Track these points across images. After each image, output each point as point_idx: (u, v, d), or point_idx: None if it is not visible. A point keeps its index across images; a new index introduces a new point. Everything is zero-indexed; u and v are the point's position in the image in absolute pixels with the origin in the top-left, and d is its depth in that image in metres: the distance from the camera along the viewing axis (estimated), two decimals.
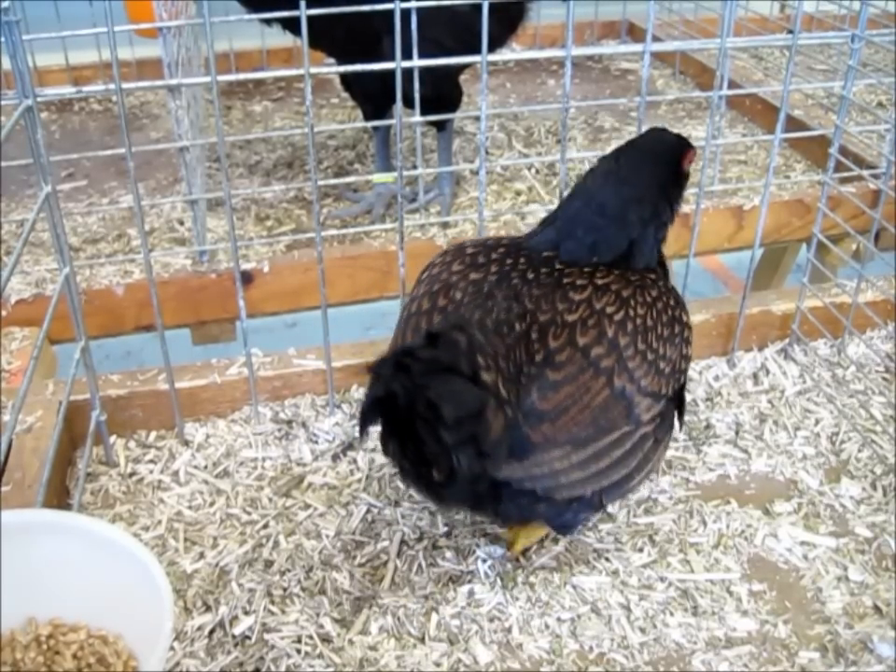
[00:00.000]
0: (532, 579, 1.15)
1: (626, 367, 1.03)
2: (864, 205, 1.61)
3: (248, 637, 1.08)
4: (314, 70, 1.20)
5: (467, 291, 1.07)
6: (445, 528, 1.23)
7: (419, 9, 1.45)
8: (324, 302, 1.34)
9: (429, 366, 0.89)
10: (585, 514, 1.11)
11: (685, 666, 1.05)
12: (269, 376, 1.43)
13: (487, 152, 2.23)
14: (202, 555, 1.19)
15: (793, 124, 2.11)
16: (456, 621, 1.10)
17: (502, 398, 0.95)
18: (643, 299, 1.08)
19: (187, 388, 1.40)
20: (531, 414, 0.98)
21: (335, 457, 1.36)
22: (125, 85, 1.17)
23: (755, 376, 1.52)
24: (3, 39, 1.08)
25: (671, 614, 1.10)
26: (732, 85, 2.33)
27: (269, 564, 1.18)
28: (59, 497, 1.26)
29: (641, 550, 1.19)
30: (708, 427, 1.41)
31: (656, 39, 2.58)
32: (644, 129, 1.23)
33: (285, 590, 1.14)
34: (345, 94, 2.15)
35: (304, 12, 1.14)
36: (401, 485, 1.30)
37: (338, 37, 1.68)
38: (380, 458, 1.34)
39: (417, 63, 1.38)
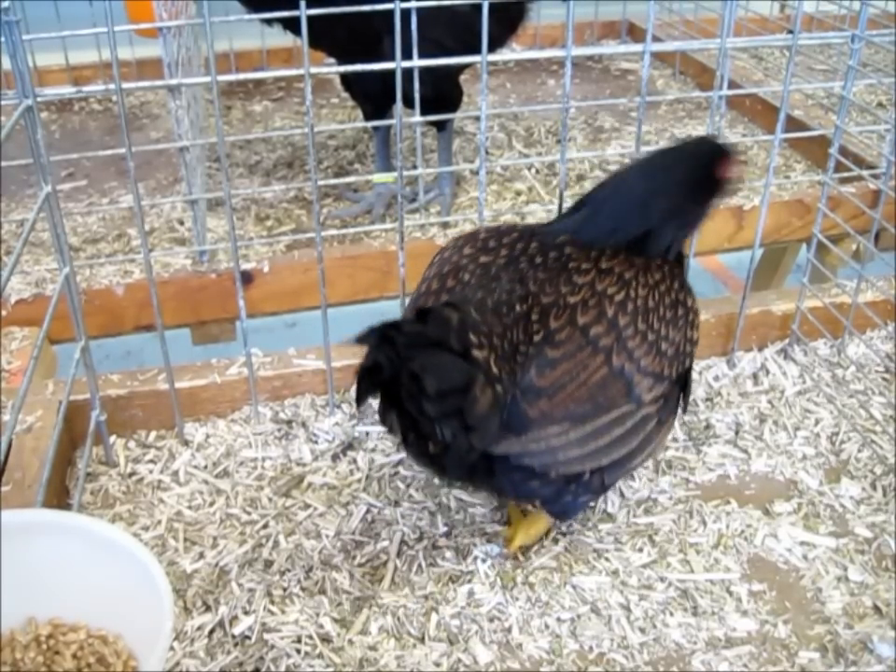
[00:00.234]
0: (532, 579, 1.15)
1: (626, 346, 1.04)
2: (864, 206, 1.61)
3: (248, 637, 1.08)
4: (314, 70, 1.20)
5: (475, 273, 1.10)
6: (445, 528, 1.23)
7: (419, 9, 1.45)
8: (324, 302, 1.34)
9: (413, 339, 0.91)
10: (586, 498, 1.12)
11: (685, 666, 1.05)
12: (269, 376, 1.44)
13: (487, 152, 2.23)
14: (201, 555, 1.19)
15: (793, 124, 2.11)
16: (456, 621, 1.10)
17: (493, 375, 0.97)
18: (645, 280, 1.09)
19: (187, 388, 1.40)
20: (529, 390, 1.00)
21: (335, 457, 1.36)
22: (125, 85, 1.17)
23: (755, 376, 1.52)
24: (3, 39, 1.08)
25: (671, 614, 1.10)
26: (732, 85, 2.32)
27: (269, 564, 1.18)
28: (59, 496, 1.26)
29: (641, 550, 1.19)
30: (708, 427, 1.41)
31: (656, 39, 2.58)
32: (644, 129, 1.23)
33: (284, 590, 1.14)
34: (345, 94, 2.15)
35: (304, 12, 1.14)
36: (401, 485, 1.30)
37: (338, 37, 1.68)
38: (380, 458, 1.35)
39: (417, 63, 1.38)
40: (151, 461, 1.35)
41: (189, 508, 1.27)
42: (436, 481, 1.29)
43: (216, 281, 1.71)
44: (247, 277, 1.69)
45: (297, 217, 2.01)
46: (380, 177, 1.99)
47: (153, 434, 1.41)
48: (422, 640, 1.08)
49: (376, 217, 1.98)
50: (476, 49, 1.22)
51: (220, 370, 1.44)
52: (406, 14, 1.46)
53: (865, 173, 1.60)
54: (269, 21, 1.72)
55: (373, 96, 1.93)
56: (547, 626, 1.09)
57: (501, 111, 2.47)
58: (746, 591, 1.14)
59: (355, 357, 1.45)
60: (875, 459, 1.34)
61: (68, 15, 2.38)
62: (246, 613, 1.10)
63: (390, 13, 1.18)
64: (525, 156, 2.26)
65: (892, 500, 1.26)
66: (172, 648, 1.06)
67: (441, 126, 1.98)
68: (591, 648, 1.07)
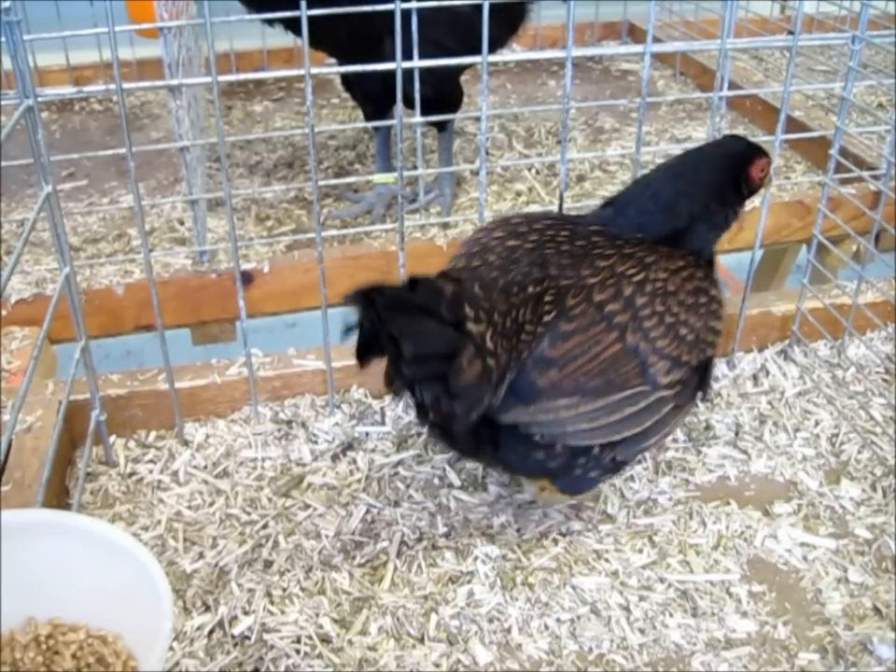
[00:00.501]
0: (531, 579, 1.15)
1: (641, 326, 1.05)
2: (864, 207, 1.61)
3: (248, 638, 1.08)
4: (314, 70, 1.20)
5: (500, 255, 1.12)
6: (445, 529, 1.23)
7: (420, 10, 1.45)
8: (324, 303, 1.34)
9: (395, 303, 0.93)
10: (596, 473, 1.13)
11: (684, 667, 1.04)
12: (269, 376, 1.43)
13: (488, 153, 2.23)
14: (201, 555, 1.19)
15: (794, 125, 2.11)
16: (456, 621, 1.10)
17: (486, 348, 0.98)
18: (666, 265, 1.10)
19: (187, 388, 1.40)
20: (540, 360, 1.02)
21: (335, 458, 1.36)
22: (126, 85, 1.17)
23: (755, 377, 1.52)
24: (4, 39, 1.08)
25: (671, 615, 1.10)
26: (732, 86, 2.33)
27: (268, 564, 1.18)
28: (58, 496, 1.26)
29: (641, 551, 1.19)
30: (708, 427, 1.41)
31: (657, 40, 2.58)
32: (644, 130, 1.24)
33: (284, 590, 1.14)
34: (346, 95, 2.14)
35: (305, 12, 1.14)
36: (401, 486, 1.30)
37: (339, 38, 1.69)
38: (380, 459, 1.35)
39: (418, 63, 1.38)
40: (151, 461, 1.35)
41: (189, 508, 1.27)
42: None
43: (216, 281, 1.71)
44: (247, 277, 1.69)
45: (297, 217, 2.01)
46: (380, 178, 1.99)
47: (153, 434, 1.40)
48: (421, 641, 1.08)
49: (376, 218, 1.98)
50: (477, 50, 1.23)
51: (220, 370, 1.44)
52: (407, 14, 1.46)
53: (865, 174, 1.60)
54: (270, 22, 1.72)
55: (374, 96, 1.93)
56: (547, 627, 1.09)
57: (502, 112, 2.47)
58: (745, 592, 1.14)
59: (354, 357, 1.46)
60: (875, 460, 1.34)
61: (69, 15, 2.38)
62: (246, 613, 1.10)
63: (391, 13, 1.18)
64: (526, 156, 2.26)
65: (892, 502, 1.26)
66: (171, 648, 1.06)
67: (441, 126, 1.98)
68: (590, 649, 1.07)
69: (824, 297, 1.56)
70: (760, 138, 2.27)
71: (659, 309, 1.07)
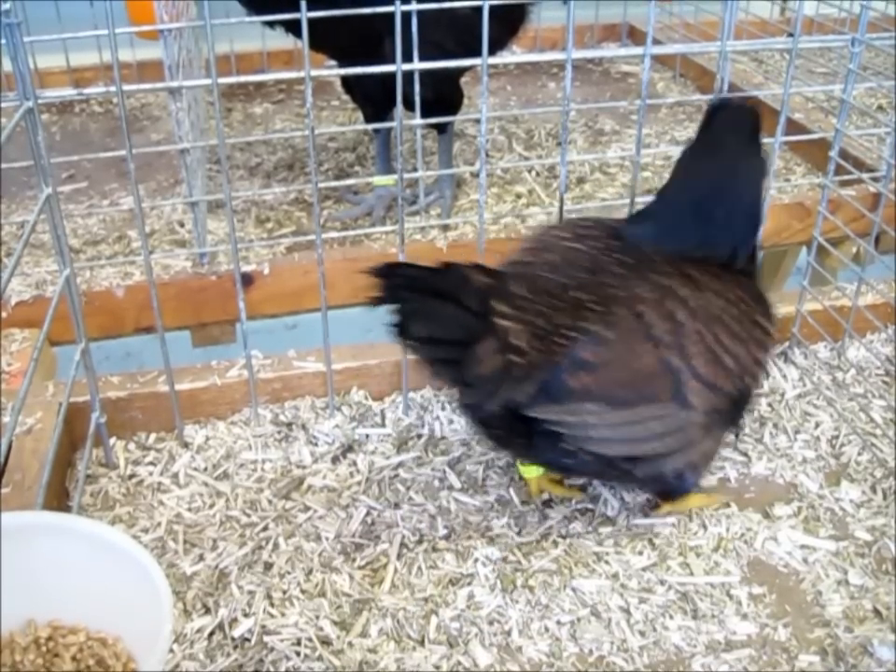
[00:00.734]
0: (532, 581, 1.15)
1: (682, 345, 1.05)
2: (864, 209, 1.61)
3: (248, 640, 1.08)
4: (314, 72, 1.20)
5: (558, 255, 1.13)
6: (445, 531, 1.23)
7: (420, 12, 1.45)
8: (324, 304, 1.34)
9: (412, 282, 0.96)
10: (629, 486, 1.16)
11: (685, 669, 1.04)
12: (269, 378, 1.43)
13: (488, 155, 2.23)
14: (201, 557, 1.19)
15: (794, 127, 2.11)
16: (456, 623, 1.10)
17: (513, 345, 0.99)
18: (724, 293, 1.09)
19: (187, 390, 1.40)
20: (574, 362, 1.02)
21: (335, 460, 1.36)
22: (126, 87, 1.17)
23: None
24: (4, 41, 1.08)
25: (671, 617, 1.10)
26: (732, 88, 2.32)
27: (268, 566, 1.18)
28: (58, 498, 1.26)
29: (641, 553, 1.19)
30: None
31: (657, 42, 2.58)
32: (644, 132, 1.23)
33: (284, 592, 1.14)
34: (346, 97, 2.15)
35: (305, 14, 1.14)
36: (401, 488, 1.30)
37: (339, 40, 1.69)
38: (380, 461, 1.35)
39: (418, 65, 1.38)
40: (151, 463, 1.35)
41: (189, 510, 1.27)
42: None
43: (216, 283, 1.71)
44: (248, 279, 1.69)
45: (297, 219, 2.01)
46: (380, 180, 1.99)
47: (153, 436, 1.40)
48: (422, 643, 1.08)
49: (376, 220, 1.98)
50: (477, 52, 1.23)
51: (220, 372, 1.44)
52: (407, 16, 1.46)
53: (865, 176, 1.60)
54: (270, 24, 1.72)
55: (374, 98, 1.93)
56: (547, 629, 1.09)
57: (502, 114, 2.47)
58: (746, 594, 1.13)
59: (355, 359, 1.46)
60: (875, 462, 1.34)
61: (69, 16, 2.38)
62: (246, 615, 1.10)
63: (391, 15, 1.18)
64: (526, 158, 2.26)
65: (892, 503, 1.26)
66: (171, 650, 1.06)
67: (441, 128, 1.98)
68: (591, 651, 1.07)
69: (824, 299, 1.56)
70: None
71: (705, 335, 1.06)
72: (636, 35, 3.00)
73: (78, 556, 0.95)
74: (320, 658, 1.05)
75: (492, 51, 1.26)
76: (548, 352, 1.02)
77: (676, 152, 1.27)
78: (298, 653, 1.06)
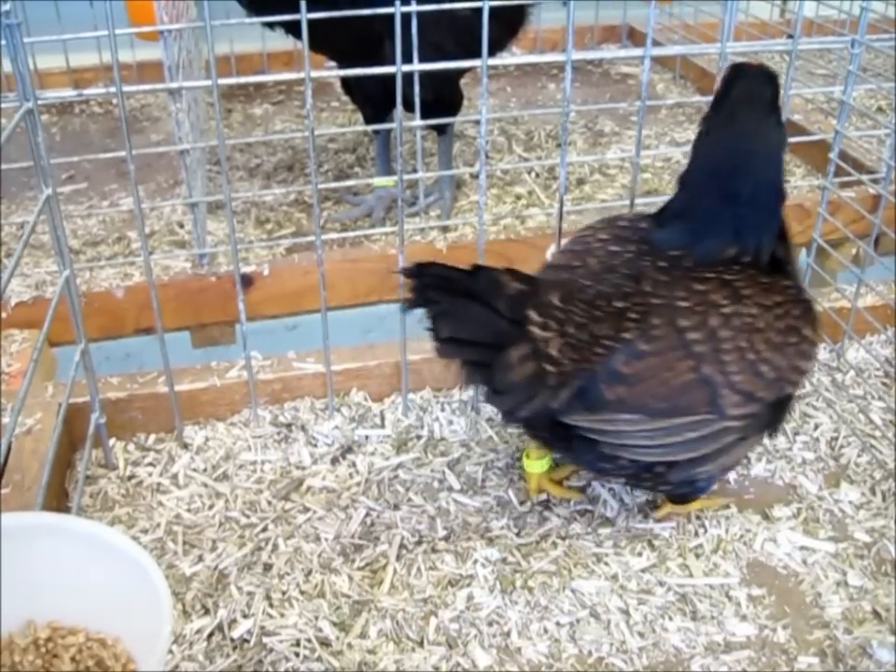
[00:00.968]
0: (531, 583, 1.15)
1: (720, 358, 1.05)
2: (864, 210, 1.61)
3: (247, 641, 1.08)
4: (314, 74, 1.20)
5: (600, 260, 1.13)
6: (444, 532, 1.23)
7: (420, 13, 1.45)
8: (324, 305, 1.34)
9: (441, 282, 0.97)
10: (665, 487, 1.15)
11: (684, 671, 1.04)
12: (268, 379, 1.43)
13: (487, 156, 2.23)
14: (200, 558, 1.19)
15: (793, 129, 2.11)
16: (455, 624, 1.10)
17: (547, 354, 1.00)
18: (762, 301, 1.08)
19: (186, 391, 1.40)
20: (611, 374, 1.03)
21: (334, 461, 1.36)
22: (126, 88, 1.18)
23: None
24: (4, 42, 1.08)
25: (670, 619, 1.10)
26: None
27: (268, 567, 1.18)
28: (58, 499, 1.26)
29: (640, 554, 1.19)
30: None
31: (656, 44, 2.59)
32: (644, 133, 1.23)
33: (283, 593, 1.14)
34: (346, 98, 2.15)
35: (305, 16, 1.14)
36: (401, 489, 1.30)
37: (339, 41, 1.69)
38: (379, 462, 1.35)
39: (418, 66, 1.38)
40: (150, 464, 1.35)
41: (189, 511, 1.27)
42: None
43: (216, 284, 1.71)
44: (247, 280, 1.69)
45: (297, 220, 2.01)
46: (380, 181, 1.99)
47: (152, 437, 1.40)
48: (421, 644, 1.08)
49: (376, 221, 1.98)
50: (476, 53, 1.23)
51: (220, 372, 1.44)
52: (407, 18, 1.46)
53: (865, 177, 1.60)
54: (270, 25, 1.72)
55: (374, 100, 1.93)
56: (546, 630, 1.09)
57: (501, 115, 2.47)
58: (745, 595, 1.13)
59: (354, 360, 1.46)
60: (874, 464, 1.34)
61: (69, 16, 2.38)
62: (245, 617, 1.10)
63: (391, 17, 1.18)
64: (526, 160, 2.26)
65: (892, 505, 1.26)
66: (171, 651, 1.06)
67: (441, 130, 1.98)
68: (590, 652, 1.07)
69: (824, 300, 1.56)
70: None
71: (742, 344, 1.05)
72: (635, 37, 3.01)
73: (78, 557, 0.95)
74: (319, 659, 1.05)
75: (492, 53, 1.26)
76: (583, 360, 1.02)
77: (675, 154, 1.27)
78: (297, 654, 1.06)
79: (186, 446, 1.38)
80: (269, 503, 1.28)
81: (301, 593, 1.14)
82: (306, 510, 1.27)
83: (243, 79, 1.34)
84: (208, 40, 1.18)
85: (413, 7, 1.35)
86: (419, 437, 1.40)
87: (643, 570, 1.17)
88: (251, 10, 1.68)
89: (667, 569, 1.17)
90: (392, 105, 1.29)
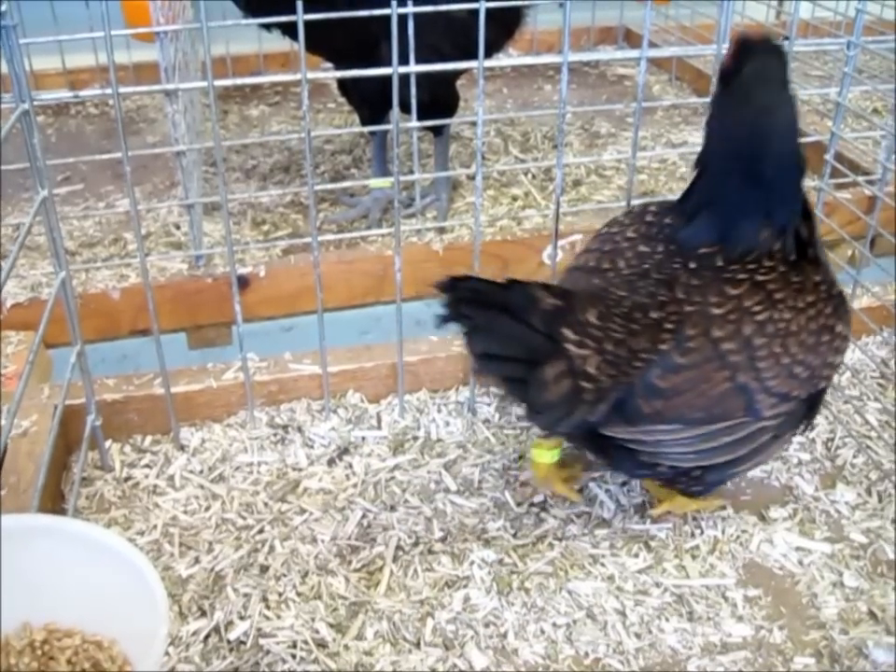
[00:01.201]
0: (528, 584, 1.15)
1: (755, 366, 1.04)
2: (860, 211, 1.61)
3: (243, 643, 1.08)
4: (310, 75, 1.20)
5: (630, 263, 1.12)
6: (441, 533, 1.23)
7: (417, 14, 1.46)
8: (320, 307, 1.34)
9: (475, 296, 0.96)
10: (698, 488, 1.16)
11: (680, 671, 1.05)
12: (265, 380, 1.43)
13: (484, 157, 2.24)
14: (197, 560, 1.19)
15: None
16: (452, 626, 1.10)
17: (582, 370, 1.00)
18: (794, 303, 1.08)
19: (182, 393, 1.40)
20: (648, 389, 1.03)
21: (331, 462, 1.36)
22: (122, 89, 1.18)
23: None
24: (0, 43, 1.08)
25: (667, 620, 1.10)
26: None
27: (264, 569, 1.18)
28: (54, 501, 1.26)
29: (637, 555, 1.19)
30: None
31: (653, 45, 2.59)
32: (640, 135, 1.23)
33: (280, 595, 1.14)
34: (342, 99, 2.15)
35: (302, 17, 1.14)
36: (397, 490, 1.30)
37: (336, 42, 1.69)
38: (376, 463, 1.35)
39: (414, 68, 1.38)
40: (147, 466, 1.35)
41: (185, 512, 1.27)
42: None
43: (212, 285, 1.71)
44: (244, 281, 1.69)
45: (293, 221, 2.01)
46: (376, 182, 1.99)
47: (149, 438, 1.40)
48: (417, 645, 1.08)
49: (373, 222, 1.98)
50: (473, 55, 1.23)
51: (216, 374, 1.44)
52: (403, 19, 1.47)
53: (861, 179, 1.61)
54: (266, 26, 1.72)
55: (370, 101, 1.93)
56: (543, 632, 1.09)
57: (498, 116, 2.47)
58: (741, 596, 1.14)
59: (350, 361, 1.46)
60: (870, 465, 1.34)
61: (65, 17, 2.37)
62: (242, 618, 1.10)
63: (387, 18, 1.18)
64: (522, 161, 2.26)
65: (888, 506, 1.26)
66: (167, 653, 1.06)
67: (437, 131, 1.98)
68: (586, 653, 1.07)
69: None
70: None
71: (777, 350, 1.05)
72: (632, 38, 3.01)
73: (74, 559, 0.95)
74: (316, 661, 1.05)
75: (488, 54, 1.26)
76: (621, 375, 1.02)
77: (672, 155, 1.27)
78: (293, 656, 1.06)
79: (182, 448, 1.38)
80: (265, 505, 1.28)
81: (298, 594, 1.14)
82: (303, 511, 1.27)
83: (239, 81, 1.33)
84: (204, 41, 1.18)
85: (410, 9, 1.35)
86: (416, 438, 1.40)
87: (639, 571, 1.17)
88: (247, 12, 1.68)
89: (664, 570, 1.17)
90: (388, 107, 1.29)
